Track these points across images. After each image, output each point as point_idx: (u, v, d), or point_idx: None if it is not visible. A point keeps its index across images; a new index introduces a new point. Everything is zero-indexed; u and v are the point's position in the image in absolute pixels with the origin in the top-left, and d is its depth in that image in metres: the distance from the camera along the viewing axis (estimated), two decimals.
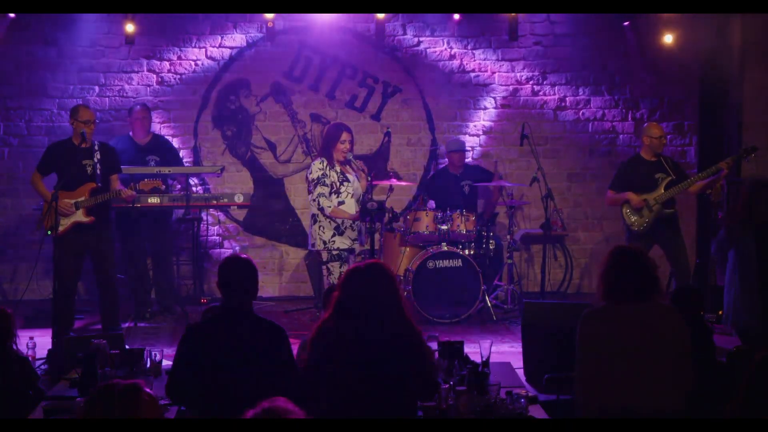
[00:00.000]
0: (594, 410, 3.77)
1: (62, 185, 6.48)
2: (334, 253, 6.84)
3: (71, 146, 6.71)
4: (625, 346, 3.77)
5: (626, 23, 8.57)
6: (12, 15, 7.99)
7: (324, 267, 6.93)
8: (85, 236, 6.66)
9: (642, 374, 3.74)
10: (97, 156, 6.67)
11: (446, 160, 8.73)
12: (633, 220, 7.19)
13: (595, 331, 3.86)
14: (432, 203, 7.81)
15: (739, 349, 4.92)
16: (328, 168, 6.84)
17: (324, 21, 8.46)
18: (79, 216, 6.62)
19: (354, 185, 6.93)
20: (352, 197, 6.88)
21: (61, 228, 6.52)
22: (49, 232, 6.51)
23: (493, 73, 8.92)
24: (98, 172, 6.65)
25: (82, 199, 6.63)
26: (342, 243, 6.85)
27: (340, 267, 6.78)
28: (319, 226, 6.86)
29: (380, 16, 8.32)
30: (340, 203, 6.84)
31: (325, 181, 6.81)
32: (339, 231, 6.86)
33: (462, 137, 8.84)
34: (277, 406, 2.56)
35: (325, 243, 6.84)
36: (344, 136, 6.87)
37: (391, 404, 3.70)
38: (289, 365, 3.98)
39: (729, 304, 6.11)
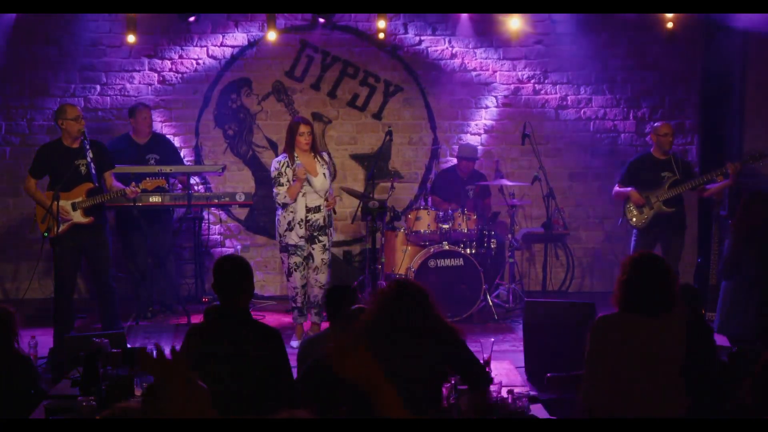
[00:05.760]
0: (598, 414, 3.79)
1: (59, 187, 6.41)
2: (283, 245, 6.92)
3: (63, 147, 6.59)
4: (635, 355, 3.78)
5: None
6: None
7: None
8: (82, 236, 6.60)
9: (650, 383, 3.75)
10: (90, 155, 6.55)
11: (448, 159, 8.74)
12: (633, 215, 7.39)
13: (606, 338, 3.88)
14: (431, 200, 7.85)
15: (741, 349, 4.92)
16: (285, 166, 6.83)
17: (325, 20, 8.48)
18: (78, 217, 6.56)
19: (318, 181, 6.87)
20: (303, 195, 6.84)
21: (59, 229, 6.45)
22: (46, 234, 6.45)
23: (495, 72, 8.92)
24: (92, 171, 6.55)
25: (80, 199, 6.56)
26: (290, 239, 6.86)
27: (288, 258, 6.89)
28: (277, 220, 6.94)
29: (381, 15, 8.32)
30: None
31: (281, 180, 6.82)
32: (290, 227, 6.85)
33: (464, 137, 8.84)
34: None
35: (280, 235, 6.94)
36: (302, 128, 6.86)
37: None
38: (283, 369, 3.99)
39: (723, 311, 6.18)
